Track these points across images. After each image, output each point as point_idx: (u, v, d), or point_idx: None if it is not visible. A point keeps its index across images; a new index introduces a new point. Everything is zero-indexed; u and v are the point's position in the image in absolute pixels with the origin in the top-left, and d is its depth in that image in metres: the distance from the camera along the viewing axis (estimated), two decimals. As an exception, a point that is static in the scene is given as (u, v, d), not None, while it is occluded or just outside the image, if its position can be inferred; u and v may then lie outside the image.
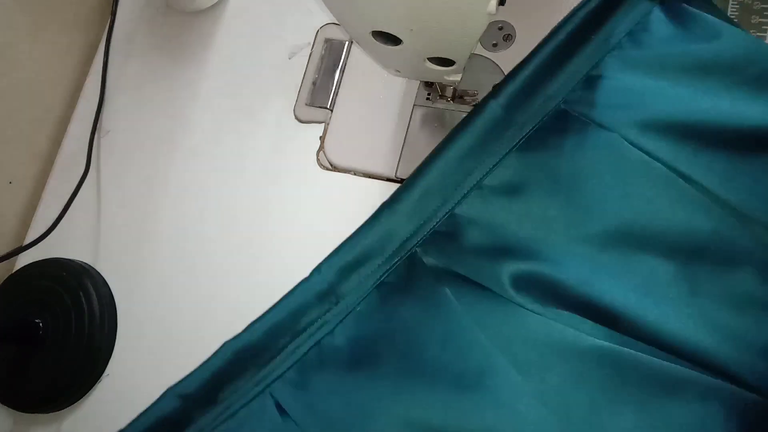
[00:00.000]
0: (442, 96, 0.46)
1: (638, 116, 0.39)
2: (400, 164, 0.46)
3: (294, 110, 0.49)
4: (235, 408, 0.39)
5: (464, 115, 0.45)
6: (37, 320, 0.46)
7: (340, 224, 0.43)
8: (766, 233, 0.36)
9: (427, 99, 0.47)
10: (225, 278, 0.47)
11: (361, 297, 0.41)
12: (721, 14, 0.40)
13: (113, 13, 0.55)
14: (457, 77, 0.38)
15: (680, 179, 0.37)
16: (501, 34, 0.47)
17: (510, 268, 0.39)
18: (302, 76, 0.50)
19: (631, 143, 0.39)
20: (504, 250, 0.39)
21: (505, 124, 0.41)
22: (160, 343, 0.47)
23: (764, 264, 0.36)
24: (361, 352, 0.40)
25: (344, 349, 0.40)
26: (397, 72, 0.39)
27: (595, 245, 0.38)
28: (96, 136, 0.53)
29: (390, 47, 0.34)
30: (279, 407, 0.39)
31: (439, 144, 0.42)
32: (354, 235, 0.42)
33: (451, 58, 0.35)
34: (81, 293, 0.47)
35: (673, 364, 0.34)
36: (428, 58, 0.35)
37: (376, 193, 0.46)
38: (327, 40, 0.50)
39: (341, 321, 0.40)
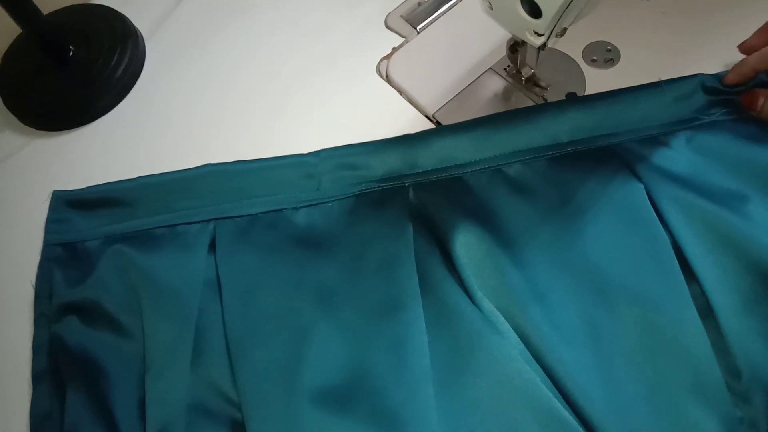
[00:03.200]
0: (517, 73, 0.45)
1: (677, 190, 0.38)
2: (442, 108, 0.45)
3: (387, 15, 0.50)
4: (178, 221, 0.41)
5: (525, 101, 0.45)
6: (71, 46, 0.49)
7: (364, 128, 0.45)
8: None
9: (504, 69, 0.46)
10: (242, 119, 0.47)
11: (339, 196, 0.41)
12: None
13: None
14: (538, 41, 0.37)
15: (682, 266, 0.36)
16: (605, 56, 0.46)
17: (476, 242, 0.38)
18: (413, -9, 0.51)
19: (654, 205, 0.38)
20: (481, 228, 0.39)
21: (555, 133, 0.42)
22: (156, 133, 0.48)
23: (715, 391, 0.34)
24: (311, 238, 0.40)
25: (299, 227, 0.41)
26: (489, 9, 0.39)
27: (564, 273, 0.37)
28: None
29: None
30: (212, 242, 0.40)
31: (491, 116, 0.43)
32: (367, 144, 0.43)
33: (539, 4, 0.34)
34: (119, 47, 0.49)
35: (560, 407, 0.33)
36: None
37: (409, 119, 0.46)
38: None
39: (311, 205, 0.41)
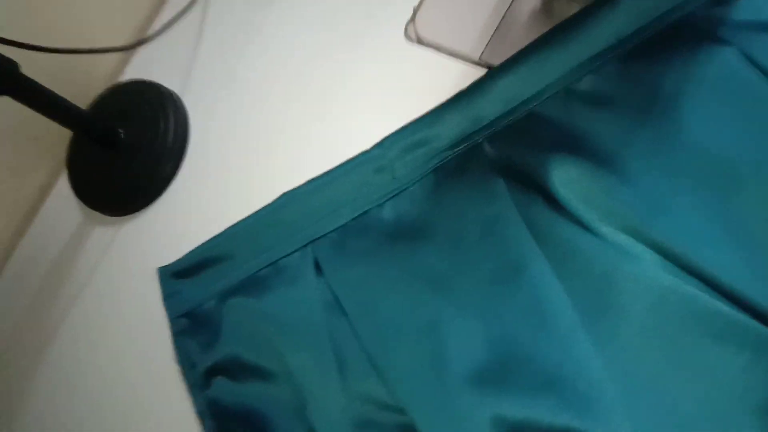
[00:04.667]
0: (552, -18, 0.42)
1: None
2: (487, 49, 0.43)
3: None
4: (278, 256, 0.41)
5: (570, 6, 0.41)
6: (119, 130, 0.50)
7: (415, 101, 0.43)
8: None
9: (536, -15, 0.42)
10: (295, 133, 0.47)
11: (416, 177, 0.40)
12: None
13: None
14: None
15: None
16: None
17: (572, 172, 0.36)
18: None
19: (755, 64, 0.34)
20: (573, 156, 0.36)
21: (615, 29, 0.38)
22: (223, 180, 0.48)
23: None
24: (404, 229, 0.39)
25: (389, 223, 0.40)
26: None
27: (680, 175, 0.34)
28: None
29: None
30: (316, 265, 0.40)
31: (540, 37, 0.40)
32: (424, 116, 0.42)
33: None
34: (161, 115, 0.50)
35: (729, 311, 0.30)
36: None
37: (457, 75, 0.43)
38: None
39: (393, 197, 0.40)
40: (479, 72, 0.42)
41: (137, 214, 0.49)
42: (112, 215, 0.50)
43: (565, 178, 0.35)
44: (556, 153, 0.36)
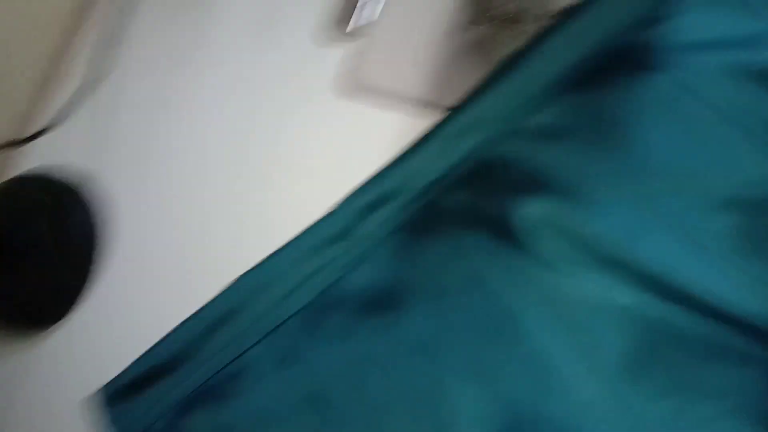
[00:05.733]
0: (493, 18, 0.41)
1: (713, 57, 0.35)
2: (437, 90, 0.41)
3: (328, 26, 0.46)
4: (238, 352, 0.36)
5: (514, 43, 0.41)
6: (15, 240, 0.42)
7: (365, 152, 0.40)
8: None
9: (475, 22, 0.42)
10: (231, 209, 0.43)
11: (381, 239, 0.37)
12: None
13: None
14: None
15: (753, 128, 0.33)
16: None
17: (540, 212, 0.34)
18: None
19: (699, 86, 0.35)
20: (537, 196, 0.35)
21: (559, 63, 0.38)
22: (152, 269, 0.43)
23: None
24: (379, 296, 0.36)
25: (361, 292, 0.37)
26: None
27: (643, 197, 0.34)
28: (116, 42, 0.49)
29: None
30: (286, 354, 0.36)
31: (484, 80, 0.39)
32: (379, 172, 0.39)
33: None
34: (65, 211, 0.43)
35: (713, 327, 0.31)
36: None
37: (407, 120, 0.42)
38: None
39: (358, 264, 0.37)
40: (425, 117, 0.41)
41: (46, 333, 0.42)
42: (30, 332, 0.42)
43: (533, 218, 0.34)
44: (520, 194, 0.35)
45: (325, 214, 0.39)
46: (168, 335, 0.37)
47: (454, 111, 0.39)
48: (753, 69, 0.34)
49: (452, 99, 0.40)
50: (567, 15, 0.38)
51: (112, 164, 0.46)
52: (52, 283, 0.42)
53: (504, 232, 0.34)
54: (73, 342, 0.41)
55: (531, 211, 0.34)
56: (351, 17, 0.45)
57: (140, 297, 0.42)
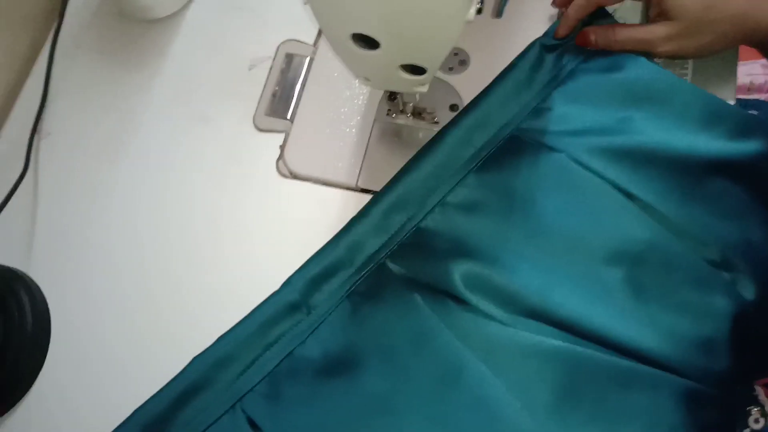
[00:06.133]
0: (402, 112, 0.48)
1: (583, 140, 0.43)
2: (360, 174, 0.47)
3: (254, 119, 0.50)
4: (204, 426, 0.39)
5: (421, 131, 0.48)
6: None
7: (302, 233, 0.45)
8: (696, 245, 0.40)
9: (388, 114, 0.48)
10: (175, 293, 0.45)
11: (332, 307, 0.41)
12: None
13: (61, 15, 0.53)
14: (424, 88, 0.40)
15: (622, 195, 0.41)
16: (457, 59, 0.50)
17: (469, 274, 0.41)
18: (263, 87, 0.50)
19: (578, 163, 0.43)
20: (464, 260, 0.41)
21: (465, 148, 0.45)
22: (97, 357, 0.44)
23: (695, 270, 0.40)
24: (335, 361, 0.40)
25: (318, 359, 0.40)
26: (367, 80, 0.41)
27: (547, 256, 0.41)
28: (36, 137, 0.50)
29: (367, 52, 0.36)
30: (251, 422, 0.39)
31: (406, 164, 0.45)
32: (324, 247, 0.43)
33: (424, 65, 0.37)
34: (12, 301, 0.43)
35: (623, 361, 0.37)
36: (401, 66, 0.37)
37: (338, 202, 0.47)
38: (288, 55, 0.51)
39: (313, 331, 0.41)
40: (358, 196, 0.47)
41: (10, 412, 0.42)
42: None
43: (464, 279, 0.40)
44: (450, 259, 0.41)
45: (280, 287, 0.42)
46: (132, 417, 0.39)
47: (383, 192, 0.44)
48: (611, 149, 0.43)
49: (376, 181, 0.46)
50: (466, 109, 0.46)
51: (43, 256, 0.47)
52: (13, 359, 0.42)
53: (443, 293, 0.40)
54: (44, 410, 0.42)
55: (464, 273, 0.40)
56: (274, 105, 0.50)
57: (92, 380, 0.43)
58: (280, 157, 0.48)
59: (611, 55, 0.46)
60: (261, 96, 0.50)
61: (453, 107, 0.48)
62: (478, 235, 0.42)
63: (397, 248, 0.43)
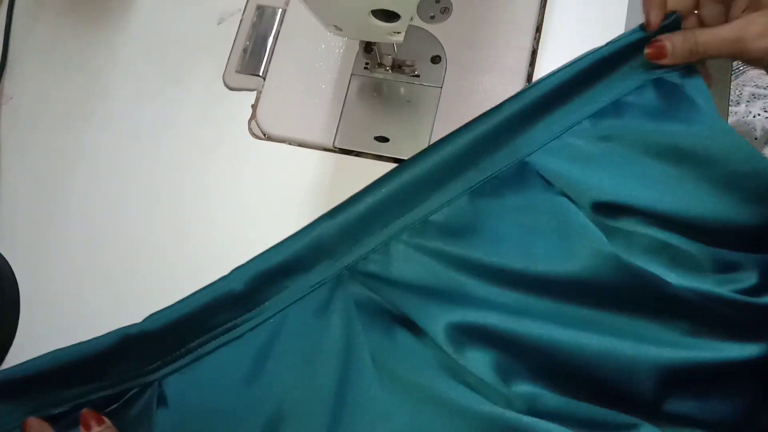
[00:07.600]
0: (380, 65, 0.45)
1: (598, 192, 0.37)
2: (338, 133, 0.44)
3: (223, 77, 0.47)
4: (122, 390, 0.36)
5: (402, 85, 0.45)
6: None
7: (277, 197, 0.43)
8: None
9: (365, 68, 0.45)
10: (145, 259, 0.44)
11: (278, 309, 0.38)
12: (711, 103, 0.37)
13: (18, -29, 0.50)
14: (400, 38, 0.37)
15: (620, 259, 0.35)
16: (438, 6, 0.46)
17: (443, 314, 0.36)
18: (232, 42, 0.47)
19: (582, 211, 0.37)
20: (434, 292, 0.37)
21: (466, 164, 0.38)
22: (70, 329, 0.40)
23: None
24: (261, 365, 0.37)
25: (247, 358, 0.37)
26: (338, 30, 0.38)
27: (530, 295, 0.37)
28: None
29: (333, -4, 0.33)
30: (162, 398, 0.36)
31: (398, 167, 0.38)
32: (284, 241, 0.38)
33: (395, 10, 0.34)
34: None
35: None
36: (372, 11, 0.34)
37: (313, 164, 0.44)
38: (259, 7, 0.48)
39: (252, 329, 0.37)
40: (336, 158, 0.44)
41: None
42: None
43: (439, 317, 0.36)
44: (416, 287, 0.37)
45: (228, 273, 0.37)
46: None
47: (360, 194, 0.37)
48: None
49: (354, 140, 0.44)
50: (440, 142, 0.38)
51: (8, 226, 0.45)
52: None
53: (400, 319, 0.37)
54: None
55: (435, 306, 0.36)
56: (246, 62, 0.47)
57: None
58: (252, 116, 0.46)
59: (675, 82, 0.38)
60: (231, 52, 0.47)
61: (435, 59, 0.45)
62: (454, 265, 0.37)
63: (362, 261, 0.38)
